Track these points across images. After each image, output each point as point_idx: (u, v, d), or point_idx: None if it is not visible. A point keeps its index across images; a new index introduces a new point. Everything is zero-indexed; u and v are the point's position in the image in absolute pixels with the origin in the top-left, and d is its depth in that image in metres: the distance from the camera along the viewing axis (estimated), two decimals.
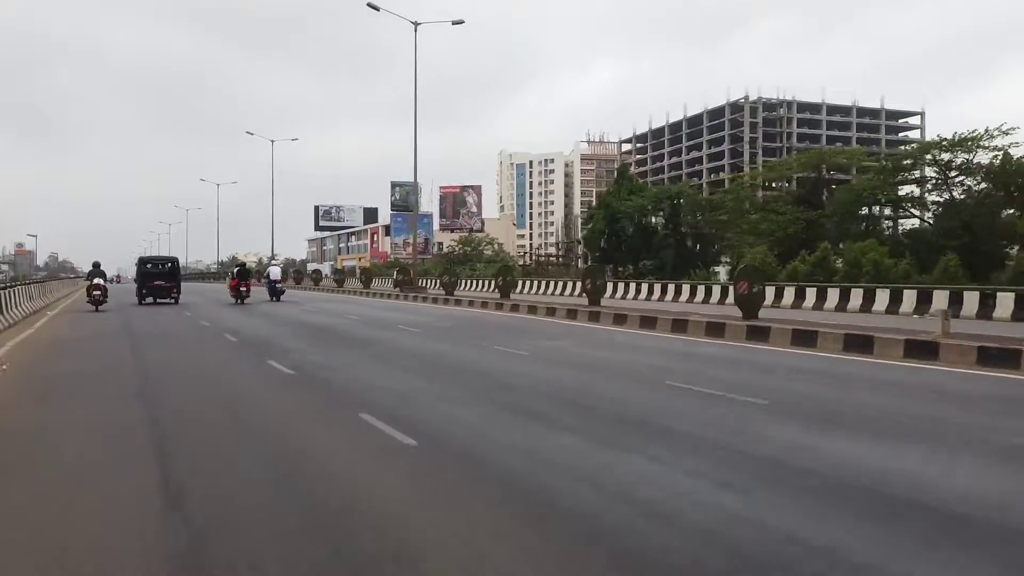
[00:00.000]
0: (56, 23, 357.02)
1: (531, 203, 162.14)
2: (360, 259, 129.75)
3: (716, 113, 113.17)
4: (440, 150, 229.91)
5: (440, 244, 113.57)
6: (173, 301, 30.09)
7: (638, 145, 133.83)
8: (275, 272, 36.35)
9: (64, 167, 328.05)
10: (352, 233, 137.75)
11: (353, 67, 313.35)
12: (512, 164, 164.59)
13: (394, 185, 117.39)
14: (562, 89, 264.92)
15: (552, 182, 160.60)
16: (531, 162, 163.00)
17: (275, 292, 34.02)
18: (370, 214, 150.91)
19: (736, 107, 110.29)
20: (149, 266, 32.09)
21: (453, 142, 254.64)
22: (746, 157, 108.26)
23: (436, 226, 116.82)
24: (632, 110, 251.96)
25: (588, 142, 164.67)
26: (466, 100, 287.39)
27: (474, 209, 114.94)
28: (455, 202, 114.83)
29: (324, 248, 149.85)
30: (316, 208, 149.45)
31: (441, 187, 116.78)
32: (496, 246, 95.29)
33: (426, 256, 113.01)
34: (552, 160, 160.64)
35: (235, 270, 33.73)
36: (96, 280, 26.40)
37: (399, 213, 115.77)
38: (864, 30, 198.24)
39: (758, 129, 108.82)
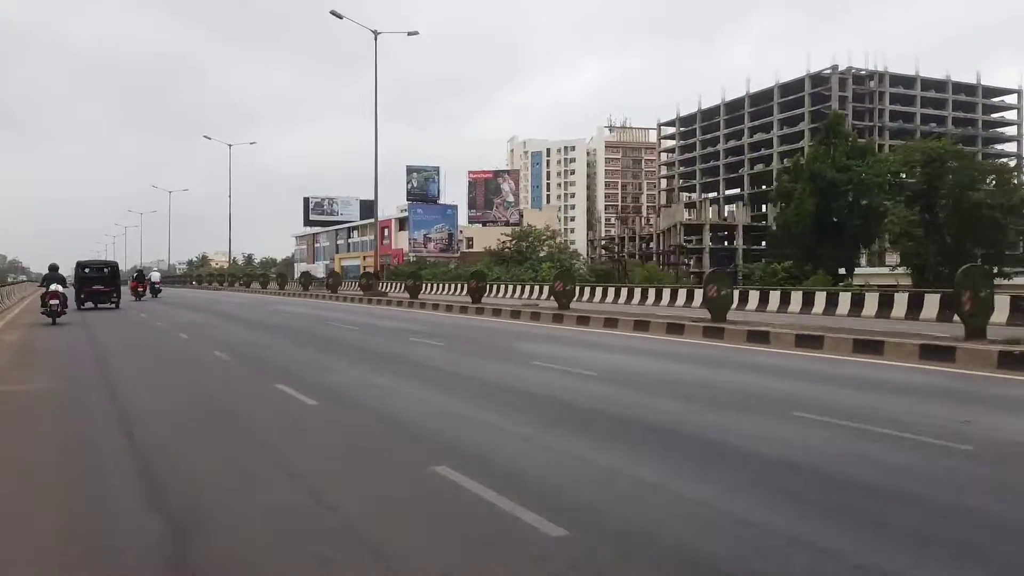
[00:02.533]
0: (14, 10, 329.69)
1: (548, 196, 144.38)
2: (364, 258, 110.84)
3: (791, 87, 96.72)
4: (442, 146, 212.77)
5: (470, 240, 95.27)
6: (113, 305, 30.60)
7: (682, 129, 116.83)
8: (155, 276, 49.09)
9: (21, 162, 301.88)
10: (353, 228, 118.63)
11: (335, 61, 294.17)
12: (526, 153, 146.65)
13: (411, 170, 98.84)
14: (549, 84, 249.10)
15: (573, 172, 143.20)
16: (548, 150, 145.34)
17: (155, 292, 43.83)
18: (367, 207, 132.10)
19: (819, 79, 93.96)
20: (87, 270, 31.69)
21: (450, 139, 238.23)
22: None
23: (463, 218, 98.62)
24: (657, 96, 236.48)
25: (611, 128, 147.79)
26: (451, 97, 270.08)
27: (510, 198, 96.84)
28: (487, 190, 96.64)
29: (317, 246, 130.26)
30: (305, 201, 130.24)
31: (470, 172, 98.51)
32: (555, 241, 77.44)
33: (450, 255, 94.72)
34: (573, 148, 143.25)
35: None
36: (54, 287, 22.07)
37: (419, 203, 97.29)
38: None
39: (847, 104, 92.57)
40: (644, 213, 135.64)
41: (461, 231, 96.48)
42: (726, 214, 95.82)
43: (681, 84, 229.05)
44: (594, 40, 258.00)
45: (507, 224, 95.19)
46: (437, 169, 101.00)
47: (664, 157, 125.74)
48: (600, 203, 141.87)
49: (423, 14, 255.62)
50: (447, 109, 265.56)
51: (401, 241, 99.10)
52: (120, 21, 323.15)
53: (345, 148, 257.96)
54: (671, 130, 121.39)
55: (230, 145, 53.53)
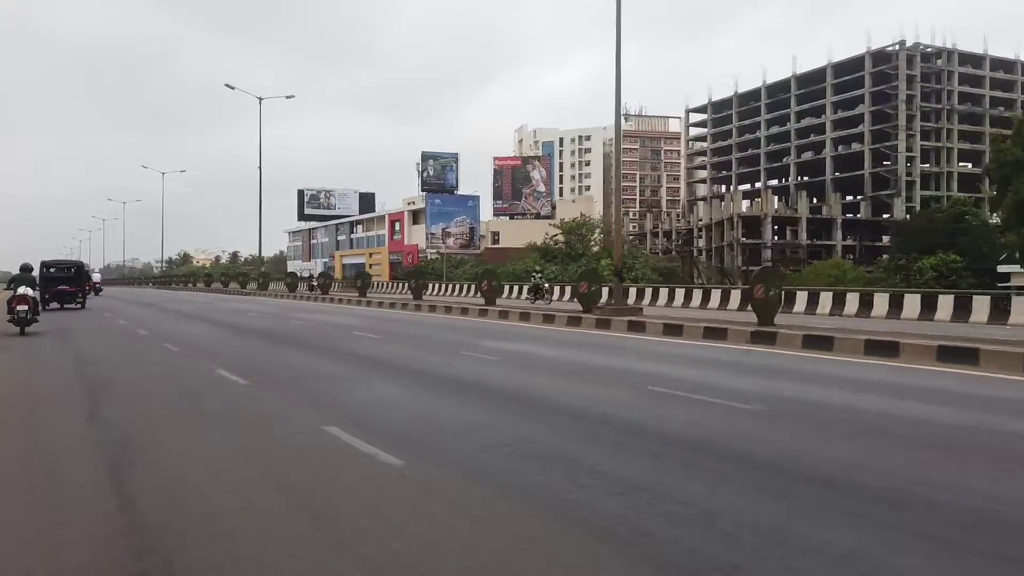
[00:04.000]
0: None
1: (561, 188, 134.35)
2: (371, 255, 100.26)
3: (847, 67, 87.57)
4: (440, 139, 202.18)
5: (496, 235, 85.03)
6: (79, 306, 30.31)
7: (714, 116, 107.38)
8: (97, 276, 55.72)
9: None
10: (356, 222, 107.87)
11: (324, 52, 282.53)
12: (536, 143, 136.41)
13: (426, 157, 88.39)
14: (547, 76, 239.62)
15: (588, 163, 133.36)
16: (561, 139, 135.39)
17: (97, 291, 47.05)
18: (367, 200, 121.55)
19: (881, 57, 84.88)
20: (52, 270, 31.12)
21: (447, 131, 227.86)
22: (901, 120, 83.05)
23: (487, 211, 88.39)
24: (664, 87, 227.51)
25: (627, 116, 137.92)
26: (440, 91, 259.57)
27: (541, 187, 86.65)
28: (515, 179, 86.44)
29: (314, 242, 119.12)
30: (300, 193, 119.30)
31: (496, 159, 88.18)
32: (610, 236, 67.35)
33: (472, 252, 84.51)
34: (588, 137, 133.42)
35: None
36: (22, 290, 18.06)
37: (436, 194, 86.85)
38: None
39: (915, 85, 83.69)
40: (664, 207, 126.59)
41: (486, 225, 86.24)
42: (775, 206, 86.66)
43: (694, 72, 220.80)
44: (587, 32, 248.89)
45: (538, 217, 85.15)
46: (455, 156, 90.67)
47: (692, 147, 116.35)
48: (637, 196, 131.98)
49: (413, 8, 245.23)
50: (441, 102, 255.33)
51: (416, 236, 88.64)
52: (95, 7, 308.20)
53: (336, 140, 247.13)
54: (700, 116, 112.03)
55: (260, 99, 44.74)
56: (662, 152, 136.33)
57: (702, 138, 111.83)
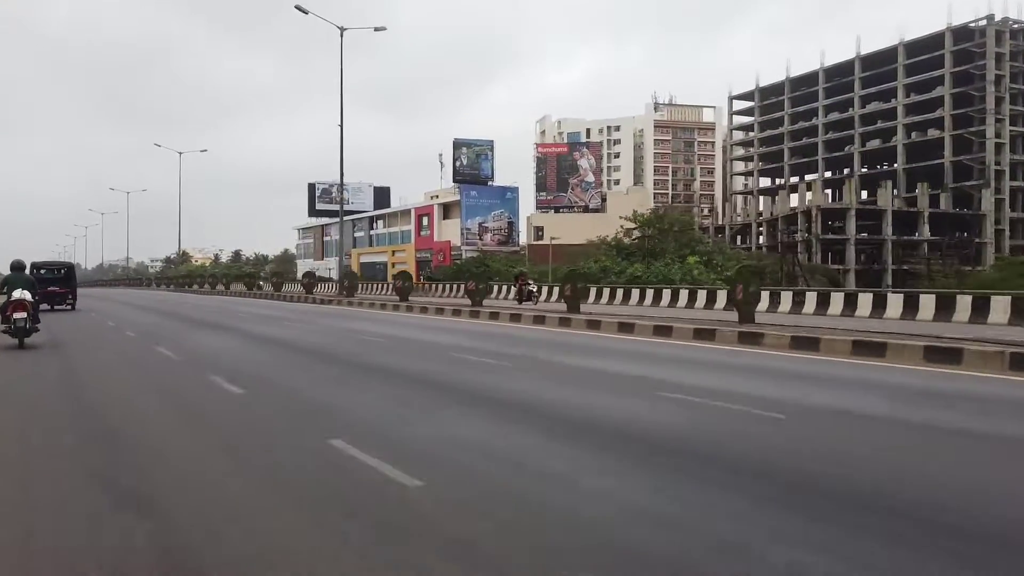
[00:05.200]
0: None
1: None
2: (393, 253, 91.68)
3: (923, 45, 79.54)
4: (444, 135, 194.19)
5: (539, 230, 76.65)
6: (69, 307, 29.79)
7: (764, 102, 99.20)
8: None
9: None
10: (376, 217, 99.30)
11: (317, 49, 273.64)
12: (561, 134, 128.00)
13: (458, 145, 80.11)
14: (555, 71, 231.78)
15: (618, 155, 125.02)
16: (588, 130, 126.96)
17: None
18: (382, 194, 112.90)
19: (963, 34, 76.89)
20: (43, 271, 30.26)
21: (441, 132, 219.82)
22: (989, 104, 75.10)
23: (528, 205, 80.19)
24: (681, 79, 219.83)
25: (657, 105, 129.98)
26: (434, 92, 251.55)
27: (589, 177, 78.19)
28: (560, 168, 78.08)
29: (327, 239, 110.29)
30: (311, 187, 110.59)
31: (538, 146, 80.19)
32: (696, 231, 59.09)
33: (510, 248, 76.10)
34: (618, 127, 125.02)
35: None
36: (18, 294, 15.05)
37: (472, 185, 78.63)
38: None
39: (1003, 64, 75.80)
40: (697, 200, 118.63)
41: (528, 219, 77.93)
42: (851, 197, 78.59)
43: (727, 59, 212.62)
44: (588, 30, 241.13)
45: (586, 210, 76.89)
46: (491, 144, 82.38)
47: (731, 136, 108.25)
48: (649, 184, 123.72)
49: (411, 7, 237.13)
50: (441, 100, 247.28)
51: (447, 232, 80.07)
52: (92, 6, 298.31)
53: (334, 138, 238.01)
54: (744, 104, 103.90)
55: (342, 29, 40.24)
56: (695, 144, 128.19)
57: (747, 127, 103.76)
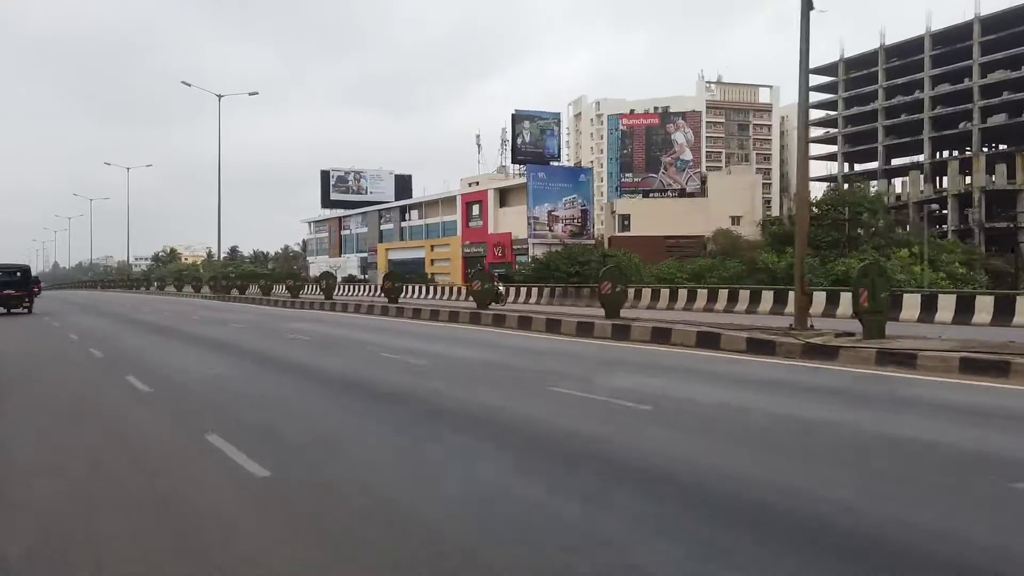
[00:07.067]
0: None
1: None
2: (432, 248, 78.19)
3: None
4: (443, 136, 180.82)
5: (625, 219, 63.59)
6: (26, 311, 29.68)
7: (850, 75, 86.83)
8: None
9: None
10: (410, 207, 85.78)
11: (317, 41, 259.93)
12: (599, 116, 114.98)
13: (518, 118, 66.93)
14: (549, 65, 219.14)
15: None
16: (631, 111, 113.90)
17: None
18: (403, 183, 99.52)
19: None
20: None
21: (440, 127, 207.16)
22: None
23: (600, 190, 67.08)
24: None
25: (708, 84, 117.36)
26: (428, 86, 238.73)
27: (687, 154, 65.05)
28: (649, 144, 65.11)
29: (345, 232, 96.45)
30: (324, 175, 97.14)
31: (621, 118, 67.18)
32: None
33: (584, 241, 62.92)
34: (668, 108, 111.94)
35: None
36: None
37: (538, 166, 65.52)
38: None
39: None
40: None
41: (608, 205, 64.90)
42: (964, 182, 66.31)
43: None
44: (588, 26, 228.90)
45: (683, 194, 63.91)
46: (557, 117, 69.45)
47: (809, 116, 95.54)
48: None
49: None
50: (435, 94, 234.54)
51: (506, 222, 66.71)
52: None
53: (334, 136, 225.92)
54: (821, 79, 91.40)
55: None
56: (750, 127, 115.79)
57: (827, 104, 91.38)
